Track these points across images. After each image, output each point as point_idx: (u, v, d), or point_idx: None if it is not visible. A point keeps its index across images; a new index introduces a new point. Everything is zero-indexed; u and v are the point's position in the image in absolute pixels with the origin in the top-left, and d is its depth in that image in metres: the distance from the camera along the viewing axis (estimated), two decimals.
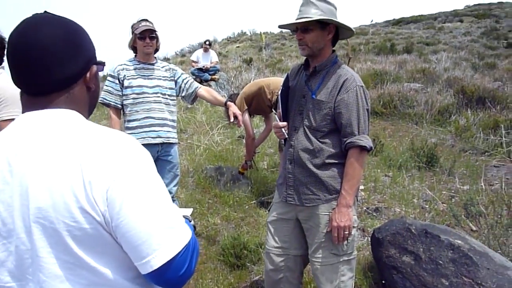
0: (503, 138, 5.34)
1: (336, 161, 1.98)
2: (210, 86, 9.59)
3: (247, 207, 4.12)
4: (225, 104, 2.95)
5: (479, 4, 31.70)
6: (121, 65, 3.02)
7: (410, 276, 2.44)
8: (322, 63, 2.01)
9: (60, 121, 0.90)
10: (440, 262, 2.34)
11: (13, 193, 0.85)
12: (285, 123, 2.08)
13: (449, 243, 2.37)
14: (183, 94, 3.15)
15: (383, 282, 2.64)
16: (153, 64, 3.06)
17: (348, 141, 1.91)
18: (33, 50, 0.89)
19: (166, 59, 19.13)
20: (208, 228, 3.72)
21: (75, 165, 0.83)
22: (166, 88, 3.06)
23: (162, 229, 0.87)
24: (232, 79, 9.56)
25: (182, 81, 3.15)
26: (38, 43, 0.89)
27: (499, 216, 2.91)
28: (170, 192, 3.11)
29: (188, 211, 1.33)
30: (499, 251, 2.66)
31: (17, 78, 0.93)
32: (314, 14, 1.89)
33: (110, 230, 0.86)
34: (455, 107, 6.92)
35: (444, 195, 4.08)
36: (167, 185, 3.09)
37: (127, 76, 2.97)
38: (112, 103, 2.99)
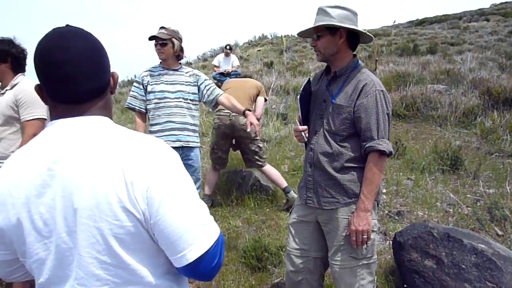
0: None
1: (355, 165, 1.99)
2: None
3: (268, 210, 4.16)
4: (244, 113, 3.02)
5: (506, 2, 30.74)
6: (146, 71, 3.14)
7: (432, 280, 2.42)
8: (342, 68, 2.03)
9: (97, 127, 0.97)
10: (463, 266, 2.32)
11: (55, 195, 0.91)
12: (305, 127, 2.12)
13: (472, 247, 2.35)
14: (204, 100, 3.22)
15: (405, 286, 2.62)
16: (177, 70, 3.16)
17: (367, 145, 1.93)
18: (77, 61, 0.94)
19: (188, 64, 19.41)
20: (230, 231, 3.78)
21: (117, 168, 0.90)
22: (188, 93, 3.13)
23: (197, 225, 0.94)
24: None
25: (205, 87, 3.20)
26: (80, 54, 0.95)
27: None
28: None
29: None
30: None
31: (57, 89, 0.96)
32: (325, 21, 1.93)
33: (147, 228, 0.92)
34: (480, 109, 6.75)
35: (468, 199, 4.01)
36: None
37: (151, 82, 3.09)
38: (137, 108, 3.13)
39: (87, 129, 0.96)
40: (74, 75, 0.94)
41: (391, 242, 3.02)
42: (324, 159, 2.03)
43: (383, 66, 11.03)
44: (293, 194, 4.04)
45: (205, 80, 3.24)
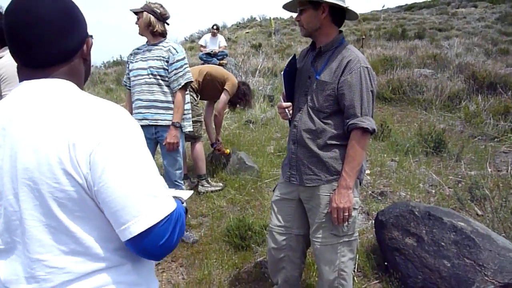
0: None
1: (338, 143, 1.98)
2: None
3: (252, 190, 4.16)
4: (171, 124, 2.98)
5: None
6: (133, 50, 3.17)
7: (412, 258, 2.46)
8: (327, 44, 2.00)
9: (55, 88, 0.93)
10: (443, 244, 2.35)
11: (4, 155, 0.88)
12: (289, 104, 2.09)
13: (451, 225, 2.38)
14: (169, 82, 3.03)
15: (386, 263, 2.66)
16: (156, 45, 3.02)
17: (350, 122, 1.91)
18: (38, 26, 0.91)
19: None
20: (214, 211, 3.77)
21: (61, 128, 0.85)
22: (158, 68, 2.95)
23: (144, 197, 0.87)
24: (240, 64, 9.53)
25: (173, 70, 2.97)
26: (42, 18, 0.91)
27: (504, 200, 2.90)
28: (174, 176, 3.13)
29: (187, 194, 1.27)
30: (503, 234, 2.66)
31: (20, 52, 0.95)
32: None
33: (92, 195, 0.87)
34: (465, 93, 6.82)
35: (450, 180, 4.06)
36: (168, 168, 3.13)
37: (132, 61, 3.10)
38: (128, 86, 3.19)
39: (44, 90, 0.92)
40: (34, 39, 0.91)
41: (373, 221, 3.05)
42: (307, 136, 2.01)
43: (371, 50, 11.03)
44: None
45: (177, 61, 2.96)
